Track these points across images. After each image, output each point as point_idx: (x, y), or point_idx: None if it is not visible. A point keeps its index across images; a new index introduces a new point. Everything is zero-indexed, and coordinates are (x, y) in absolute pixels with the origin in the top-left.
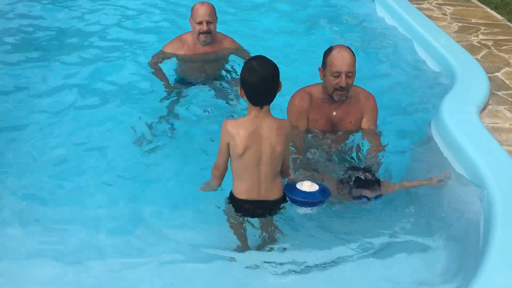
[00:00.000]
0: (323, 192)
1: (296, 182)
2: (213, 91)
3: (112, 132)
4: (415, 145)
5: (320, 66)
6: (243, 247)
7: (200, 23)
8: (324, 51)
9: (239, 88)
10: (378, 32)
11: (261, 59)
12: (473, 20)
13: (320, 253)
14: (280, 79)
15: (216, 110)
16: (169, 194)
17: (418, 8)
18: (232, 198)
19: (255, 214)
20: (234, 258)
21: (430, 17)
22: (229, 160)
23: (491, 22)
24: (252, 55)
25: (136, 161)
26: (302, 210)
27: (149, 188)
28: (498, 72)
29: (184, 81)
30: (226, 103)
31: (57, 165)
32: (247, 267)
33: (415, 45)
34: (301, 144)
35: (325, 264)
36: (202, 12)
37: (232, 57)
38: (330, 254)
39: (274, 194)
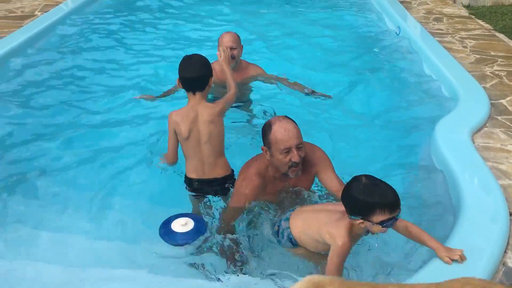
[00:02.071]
0: (195, 232)
1: (175, 217)
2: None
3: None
4: (414, 155)
5: (263, 145)
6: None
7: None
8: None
9: (177, 79)
10: (398, 58)
11: (194, 54)
12: (492, 53)
13: None
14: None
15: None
16: None
17: (439, 41)
18: (186, 178)
19: (207, 192)
20: None
21: (449, 49)
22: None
23: (510, 55)
24: (280, 76)
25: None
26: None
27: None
28: (504, 99)
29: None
30: (247, 123)
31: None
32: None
33: (428, 73)
34: (228, 227)
35: None
36: (226, 39)
37: (258, 83)
38: None
39: (218, 172)
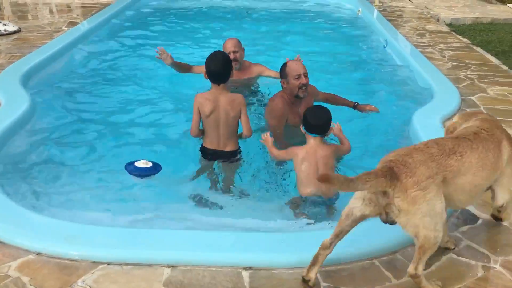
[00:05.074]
0: (152, 168)
1: (136, 160)
2: None
3: None
4: (397, 135)
5: (282, 79)
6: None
7: (228, 53)
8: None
9: (204, 72)
10: (387, 66)
11: (218, 52)
12: (467, 61)
13: None
14: None
15: None
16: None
17: (421, 51)
18: (201, 147)
19: (215, 158)
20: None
21: (429, 58)
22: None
23: (483, 63)
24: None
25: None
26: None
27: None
28: (473, 96)
29: None
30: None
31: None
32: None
33: (410, 76)
34: (279, 136)
35: None
36: (229, 45)
37: (260, 80)
38: None
39: (229, 147)
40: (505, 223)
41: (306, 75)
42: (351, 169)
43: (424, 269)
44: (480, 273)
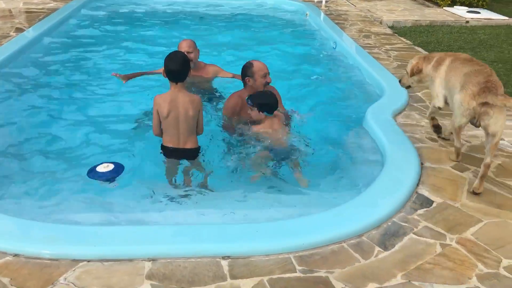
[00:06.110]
0: (113, 171)
1: (99, 164)
2: None
3: None
4: (353, 130)
5: (247, 77)
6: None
7: None
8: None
9: (162, 71)
10: (338, 66)
11: (177, 51)
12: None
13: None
14: None
15: None
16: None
17: (369, 52)
18: (162, 147)
19: (177, 157)
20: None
21: (377, 58)
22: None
23: None
24: (235, 73)
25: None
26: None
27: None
28: (419, 92)
29: None
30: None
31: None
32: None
33: (361, 75)
34: (232, 127)
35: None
36: (183, 45)
37: (216, 80)
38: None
39: (189, 145)
40: (456, 204)
41: (269, 74)
42: (310, 160)
43: (388, 249)
44: (439, 250)
